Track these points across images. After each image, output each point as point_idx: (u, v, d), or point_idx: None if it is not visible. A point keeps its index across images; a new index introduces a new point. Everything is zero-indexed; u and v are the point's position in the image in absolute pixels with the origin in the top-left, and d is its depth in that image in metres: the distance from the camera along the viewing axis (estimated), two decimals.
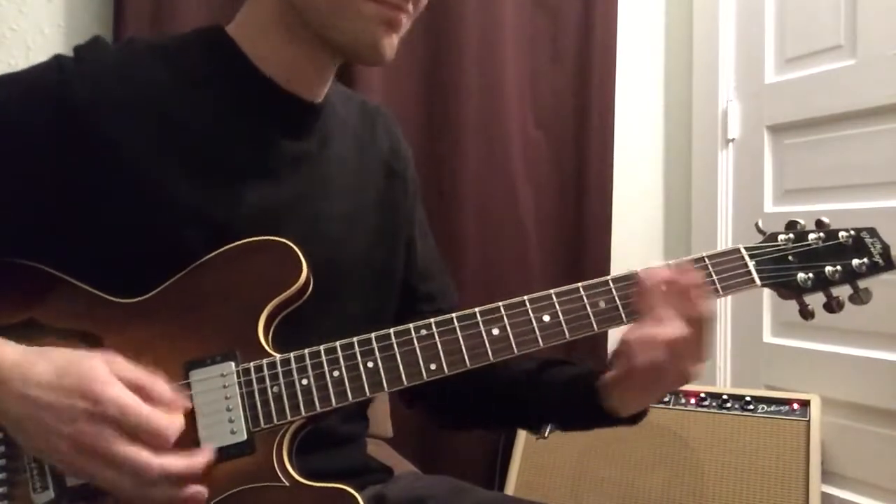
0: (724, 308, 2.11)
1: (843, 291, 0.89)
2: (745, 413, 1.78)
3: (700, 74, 2.24)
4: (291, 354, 0.78)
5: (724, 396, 1.82)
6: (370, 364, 0.79)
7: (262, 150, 0.88)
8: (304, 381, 0.78)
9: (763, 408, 1.78)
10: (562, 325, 0.81)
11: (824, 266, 0.88)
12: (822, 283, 0.88)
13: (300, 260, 0.81)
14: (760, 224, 0.92)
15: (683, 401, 1.84)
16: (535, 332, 0.81)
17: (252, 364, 0.78)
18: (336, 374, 0.78)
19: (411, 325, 0.80)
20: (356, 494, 0.76)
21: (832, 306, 0.88)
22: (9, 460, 0.75)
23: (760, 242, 0.89)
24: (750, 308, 2.05)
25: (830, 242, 0.89)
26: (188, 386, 0.76)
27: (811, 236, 0.89)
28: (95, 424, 0.66)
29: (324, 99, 0.93)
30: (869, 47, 1.78)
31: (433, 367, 0.79)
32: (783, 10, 2.03)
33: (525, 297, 0.82)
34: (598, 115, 2.12)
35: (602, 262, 2.11)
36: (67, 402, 0.67)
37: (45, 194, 0.80)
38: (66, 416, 0.66)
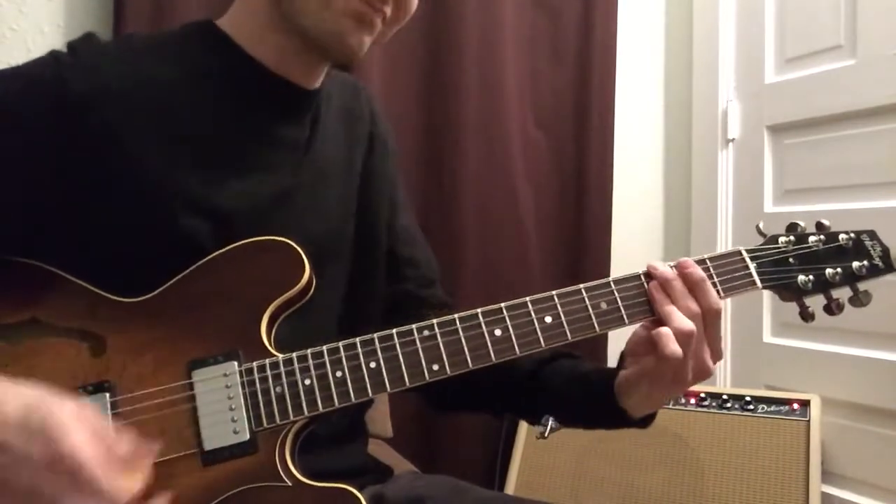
0: (724, 308, 2.10)
1: (842, 293, 0.89)
2: (745, 413, 1.78)
3: (700, 74, 2.24)
4: (294, 354, 0.79)
5: (724, 396, 1.82)
6: (373, 364, 0.79)
7: (260, 139, 0.88)
8: (307, 381, 0.78)
9: (763, 408, 1.78)
10: (564, 326, 0.82)
11: (825, 268, 0.88)
12: (823, 286, 0.88)
13: (302, 260, 0.81)
14: (761, 226, 0.92)
15: (683, 401, 1.84)
16: (536, 332, 0.81)
17: (255, 364, 0.78)
18: (339, 374, 0.78)
19: (414, 326, 0.80)
20: (358, 494, 0.76)
21: (832, 308, 0.88)
22: None
23: (761, 244, 0.90)
24: (750, 308, 2.05)
25: (831, 245, 0.89)
26: (191, 386, 0.77)
27: (811, 238, 0.90)
28: (49, 475, 0.64)
29: (321, 86, 0.94)
30: (869, 47, 1.79)
31: (436, 367, 0.79)
32: (783, 10, 2.03)
33: (527, 299, 0.82)
34: (598, 115, 2.12)
35: (602, 262, 2.11)
36: (27, 448, 0.63)
37: (45, 191, 0.80)
38: (23, 460, 0.64)
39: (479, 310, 0.81)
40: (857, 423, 1.78)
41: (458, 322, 0.81)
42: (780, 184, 2.02)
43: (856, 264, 0.89)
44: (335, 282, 0.95)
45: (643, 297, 0.84)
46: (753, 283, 0.87)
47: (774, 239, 0.90)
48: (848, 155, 1.84)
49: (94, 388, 0.76)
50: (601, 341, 2.07)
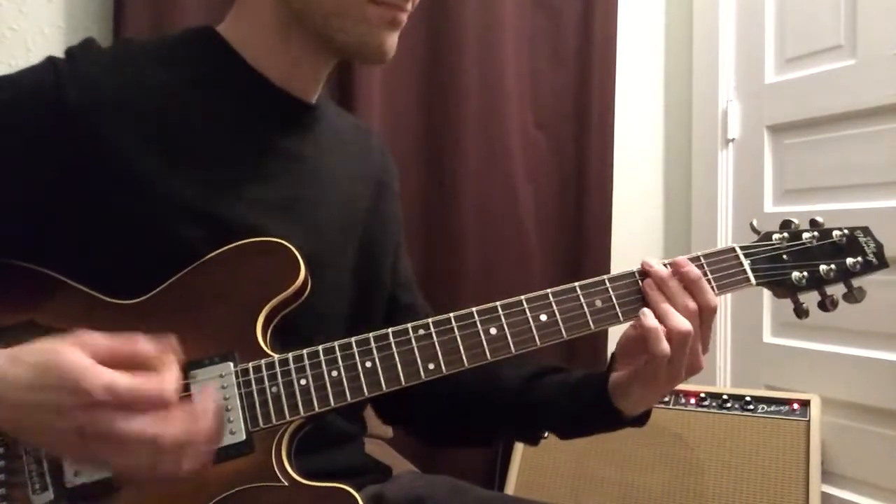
0: (724, 308, 2.11)
1: (837, 290, 0.90)
2: (745, 413, 1.78)
3: (700, 74, 2.24)
4: (290, 355, 0.79)
5: (724, 396, 1.82)
6: (368, 364, 0.79)
7: (258, 148, 0.88)
8: (303, 382, 0.78)
9: (763, 408, 1.78)
10: (559, 325, 0.82)
11: (819, 265, 0.89)
12: (817, 282, 0.89)
13: (298, 261, 0.81)
14: (755, 223, 0.92)
15: (683, 401, 1.84)
16: (532, 331, 0.81)
17: (251, 364, 0.78)
18: (334, 374, 0.78)
19: (409, 326, 0.80)
20: (355, 494, 0.76)
21: (826, 305, 0.89)
22: (8, 461, 0.75)
23: (755, 241, 0.90)
24: (750, 308, 2.05)
25: (824, 241, 0.90)
26: (187, 387, 0.76)
27: (805, 235, 0.90)
28: (92, 412, 0.63)
29: (318, 102, 0.94)
30: (869, 47, 1.78)
31: (431, 366, 0.80)
32: (783, 10, 2.03)
33: (522, 297, 0.82)
34: (598, 115, 2.12)
35: (602, 262, 2.11)
36: (56, 400, 0.63)
37: (43, 196, 0.80)
38: (59, 412, 0.64)
39: (474, 308, 0.82)
40: (857, 423, 1.77)
41: (453, 321, 0.81)
42: (780, 184, 2.02)
43: (850, 261, 0.89)
44: (333, 307, 0.94)
45: (638, 295, 0.84)
46: (748, 279, 0.87)
47: (768, 236, 0.90)
48: (848, 155, 1.84)
49: None
50: (601, 340, 2.07)
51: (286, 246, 0.81)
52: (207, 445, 0.67)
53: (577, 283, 0.84)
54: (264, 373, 0.78)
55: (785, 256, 0.89)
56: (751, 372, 2.05)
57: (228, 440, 0.76)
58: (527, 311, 0.82)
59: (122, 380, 0.64)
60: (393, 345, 0.80)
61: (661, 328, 0.81)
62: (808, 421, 1.72)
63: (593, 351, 2.05)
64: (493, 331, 0.81)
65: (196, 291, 0.80)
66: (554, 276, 2.06)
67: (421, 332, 0.80)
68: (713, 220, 2.17)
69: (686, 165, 2.28)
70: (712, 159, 2.18)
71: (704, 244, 2.15)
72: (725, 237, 2.16)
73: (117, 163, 0.80)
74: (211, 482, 0.74)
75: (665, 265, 0.85)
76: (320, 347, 0.79)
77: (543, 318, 0.82)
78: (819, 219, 0.91)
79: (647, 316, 0.82)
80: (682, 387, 1.84)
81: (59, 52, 0.84)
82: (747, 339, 2.07)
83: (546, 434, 1.02)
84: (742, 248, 0.89)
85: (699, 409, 1.82)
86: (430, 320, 0.81)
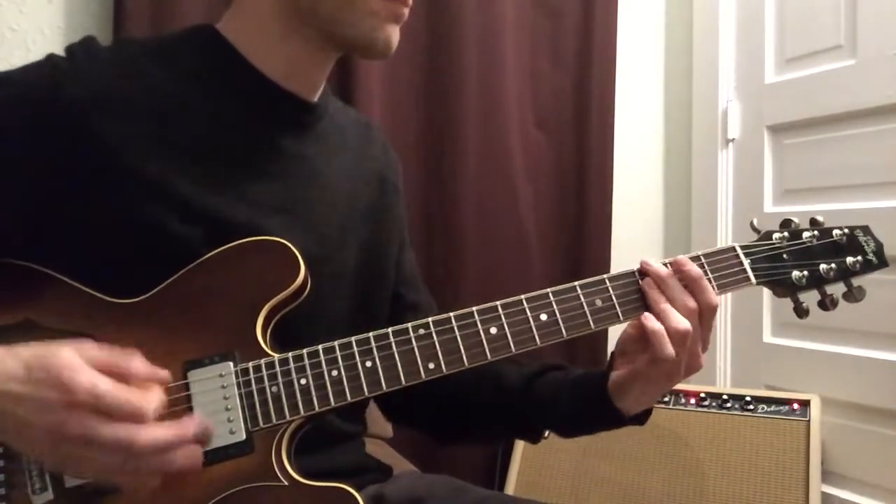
0: (723, 308, 2.11)
1: (837, 289, 0.90)
2: (745, 413, 1.78)
3: (700, 74, 2.24)
4: (290, 354, 0.78)
5: (724, 396, 1.82)
6: (368, 363, 0.79)
7: (259, 147, 0.88)
8: (303, 381, 0.78)
9: (763, 408, 1.78)
10: (559, 324, 0.82)
11: (819, 264, 0.89)
12: (817, 281, 0.89)
13: (298, 260, 0.81)
14: (755, 222, 0.92)
15: (683, 401, 1.84)
16: (532, 330, 0.81)
17: (250, 364, 0.78)
18: (334, 373, 0.78)
19: (409, 325, 0.80)
20: (355, 494, 0.76)
21: (826, 304, 0.89)
22: (7, 461, 0.75)
23: (755, 241, 0.90)
24: (750, 308, 2.05)
25: (824, 240, 0.90)
26: (186, 386, 0.77)
27: (805, 234, 0.90)
28: (72, 412, 0.65)
29: (320, 100, 0.94)
30: (869, 47, 1.78)
31: (431, 366, 0.80)
32: (783, 10, 2.03)
33: (522, 297, 0.82)
34: (598, 115, 2.12)
35: (602, 262, 2.11)
36: (40, 395, 0.65)
37: (42, 194, 0.79)
38: (41, 407, 0.65)
39: (474, 308, 0.81)
40: (857, 423, 1.77)
41: (453, 321, 0.81)
42: (780, 184, 2.02)
43: (850, 260, 0.89)
44: (334, 306, 0.94)
45: (638, 294, 0.84)
46: (748, 279, 0.87)
47: (769, 235, 0.90)
48: (848, 155, 1.84)
49: None
50: (601, 339, 2.07)
51: (286, 245, 0.81)
52: (178, 463, 0.69)
53: (577, 283, 0.84)
54: (264, 372, 0.78)
55: (785, 255, 0.89)
56: (751, 372, 2.05)
57: (228, 440, 0.76)
58: (527, 310, 0.82)
59: (106, 384, 0.66)
60: (393, 344, 0.80)
61: (664, 330, 0.81)
62: (808, 421, 1.72)
63: (593, 351, 2.05)
64: (493, 330, 0.81)
65: (195, 290, 0.80)
66: (554, 276, 2.06)
67: (421, 331, 0.80)
68: (713, 220, 2.17)
69: (686, 165, 2.28)
70: (712, 159, 2.18)
71: (704, 244, 2.14)
72: (725, 237, 2.16)
73: (116, 161, 0.79)
74: (211, 482, 0.74)
75: (665, 265, 0.85)
76: (320, 347, 0.79)
77: (543, 317, 0.82)
78: (819, 218, 0.91)
79: (650, 319, 0.82)
80: (682, 387, 1.84)
81: (58, 52, 0.83)
82: (747, 339, 2.07)
83: (547, 434, 1.02)
84: (742, 247, 0.89)
85: (699, 409, 1.82)
86: (430, 320, 0.81)
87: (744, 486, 1.69)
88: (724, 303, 2.11)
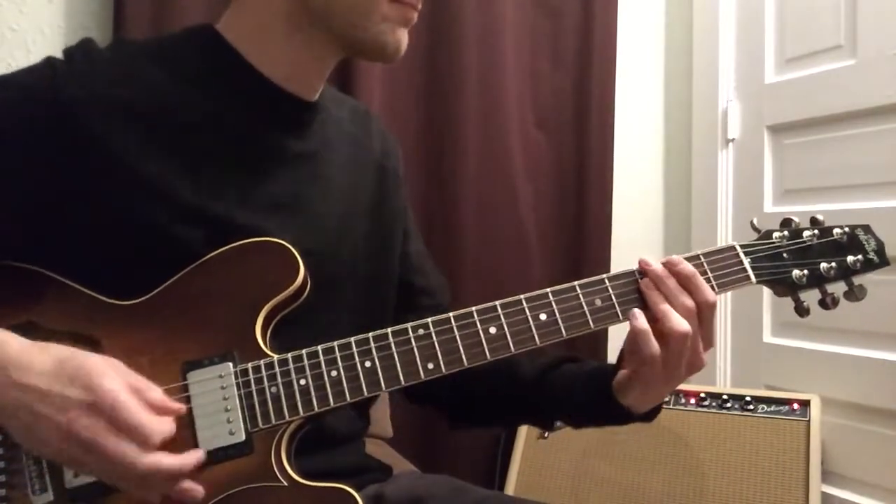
0: (723, 308, 2.11)
1: (837, 288, 0.89)
2: (745, 413, 1.78)
3: (700, 74, 2.24)
4: (289, 355, 0.79)
5: (724, 396, 1.82)
6: (368, 364, 0.79)
7: (259, 148, 0.88)
8: (302, 382, 0.78)
9: (763, 408, 1.78)
10: (558, 324, 0.82)
11: (819, 263, 0.88)
12: (817, 280, 0.88)
13: (297, 261, 0.81)
14: (755, 222, 0.92)
15: (683, 401, 1.84)
16: (531, 330, 0.81)
17: (250, 365, 0.78)
18: (334, 374, 0.78)
19: (409, 325, 0.80)
20: (355, 494, 0.76)
21: (827, 303, 0.88)
22: (8, 462, 0.75)
23: (755, 240, 0.90)
24: (750, 308, 2.05)
25: (825, 239, 0.90)
26: (186, 387, 0.77)
27: (806, 233, 0.90)
28: (88, 415, 0.67)
29: (318, 98, 0.94)
30: (869, 47, 1.78)
31: (431, 366, 0.80)
32: (783, 10, 2.03)
33: (522, 296, 0.82)
34: (598, 115, 2.12)
35: (602, 262, 2.11)
36: (63, 391, 0.67)
37: (42, 196, 0.79)
38: (61, 404, 0.67)
39: (473, 308, 0.82)
40: (857, 423, 1.77)
41: (452, 321, 0.81)
42: (780, 184, 2.02)
43: (850, 258, 0.89)
44: (337, 302, 0.94)
45: (637, 294, 0.84)
46: (748, 278, 0.87)
47: (769, 234, 0.90)
48: (848, 155, 1.84)
49: None
50: (601, 338, 2.07)
51: (285, 246, 0.81)
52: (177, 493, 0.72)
53: (576, 283, 0.84)
54: (264, 373, 0.78)
55: (785, 254, 0.89)
56: (751, 372, 2.05)
57: (228, 440, 0.76)
58: (526, 310, 0.82)
59: (127, 397, 0.69)
60: (392, 345, 0.80)
61: (650, 330, 0.81)
62: (808, 421, 1.72)
63: (593, 351, 2.04)
64: (492, 330, 0.81)
65: (195, 292, 0.80)
66: (554, 276, 2.05)
67: (420, 331, 0.80)
68: (713, 219, 2.17)
69: (686, 165, 2.28)
70: (712, 159, 2.18)
71: (704, 244, 2.14)
72: (725, 237, 2.16)
73: (116, 163, 0.79)
74: (210, 482, 0.74)
75: (661, 265, 0.85)
76: (319, 348, 0.79)
77: (543, 317, 0.82)
78: (819, 217, 0.91)
79: (637, 318, 0.82)
80: (682, 387, 1.84)
81: (58, 52, 0.84)
82: (747, 339, 2.07)
83: (559, 424, 1.02)
84: (742, 246, 0.88)
85: (699, 409, 1.82)
86: (429, 320, 0.81)
87: (744, 486, 1.69)
88: (724, 303, 2.11)
